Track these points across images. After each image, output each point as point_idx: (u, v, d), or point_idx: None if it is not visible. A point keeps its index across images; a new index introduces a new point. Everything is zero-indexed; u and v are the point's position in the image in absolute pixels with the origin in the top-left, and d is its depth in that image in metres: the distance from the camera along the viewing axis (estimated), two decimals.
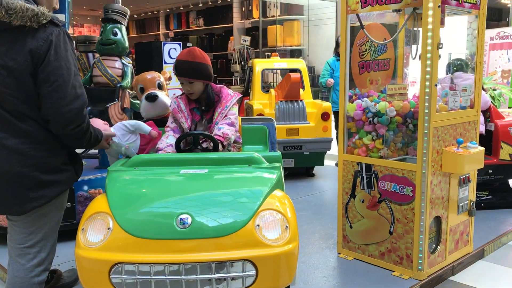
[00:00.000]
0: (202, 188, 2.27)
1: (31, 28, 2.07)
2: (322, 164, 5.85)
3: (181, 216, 2.03)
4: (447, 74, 4.06)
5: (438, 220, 3.22)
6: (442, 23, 3.00)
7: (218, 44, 14.36)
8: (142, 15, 17.16)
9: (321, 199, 5.04)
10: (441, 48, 2.96)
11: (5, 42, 2.09)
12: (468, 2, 3.18)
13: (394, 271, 3.23)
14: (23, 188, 2.17)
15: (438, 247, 3.24)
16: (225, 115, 2.84)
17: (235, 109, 2.91)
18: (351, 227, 3.47)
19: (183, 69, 2.79)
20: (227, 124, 2.79)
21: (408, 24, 3.27)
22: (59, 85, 2.10)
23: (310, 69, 12.79)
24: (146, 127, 2.73)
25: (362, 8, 3.24)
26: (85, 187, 3.82)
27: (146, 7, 16.28)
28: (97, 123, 2.49)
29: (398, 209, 3.17)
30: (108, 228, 2.05)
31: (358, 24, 3.40)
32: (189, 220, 2.02)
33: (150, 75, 3.16)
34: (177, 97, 2.95)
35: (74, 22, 15.89)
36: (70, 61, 2.16)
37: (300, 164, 5.72)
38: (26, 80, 2.10)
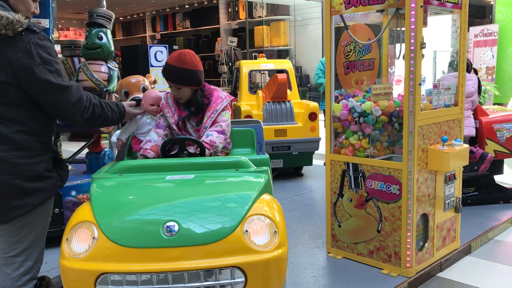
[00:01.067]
0: (188, 194, 2.25)
1: (6, 37, 2.04)
2: (310, 164, 5.88)
3: (168, 224, 1.99)
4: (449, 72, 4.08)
5: (425, 217, 3.26)
6: (425, 23, 3.03)
7: (205, 45, 14.35)
8: (128, 17, 17.08)
9: (310, 199, 5.07)
10: (424, 47, 3.00)
11: None
12: (450, 2, 3.23)
13: (383, 269, 3.26)
14: (5, 196, 2.14)
15: (426, 244, 3.27)
16: (215, 120, 2.76)
17: (227, 115, 2.82)
18: (339, 226, 3.49)
19: (171, 74, 2.73)
20: (216, 131, 2.72)
21: (392, 24, 3.31)
22: (53, 90, 2.16)
23: (298, 69, 12.83)
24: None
25: (346, 9, 3.27)
26: (73, 193, 3.81)
27: (132, 9, 16.20)
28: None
29: (385, 207, 3.20)
30: (93, 238, 2.01)
31: (342, 24, 3.43)
32: (176, 228, 1.99)
33: (134, 79, 3.14)
34: (167, 93, 2.89)
35: (60, 26, 15.76)
36: (54, 60, 2.17)
37: (289, 165, 5.74)
38: (8, 86, 2.09)
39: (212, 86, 2.92)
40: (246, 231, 2.03)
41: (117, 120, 2.54)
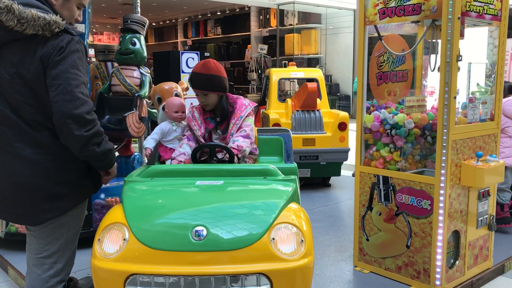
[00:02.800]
0: (217, 200, 2.27)
1: (43, 37, 2.07)
2: (338, 174, 5.81)
3: (197, 228, 2.03)
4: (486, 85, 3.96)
5: (456, 234, 3.16)
6: (461, 35, 2.96)
7: (235, 52, 14.44)
8: (161, 23, 17.35)
9: (337, 210, 5.00)
10: (460, 60, 2.93)
11: (18, 51, 2.10)
12: (489, 14, 3.14)
13: (411, 286, 3.18)
14: (37, 199, 2.17)
15: (457, 262, 3.18)
16: (240, 126, 2.85)
17: (251, 120, 2.91)
18: (367, 239, 3.43)
19: (198, 81, 2.83)
20: (242, 136, 2.80)
21: (427, 36, 3.24)
22: (64, 88, 2.04)
23: (328, 77, 12.78)
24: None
25: (380, 20, 3.22)
26: (102, 195, 3.85)
27: (164, 15, 16.46)
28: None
29: (415, 222, 3.13)
30: (124, 239, 2.06)
31: (376, 34, 3.38)
32: (204, 232, 2.02)
33: (167, 85, 3.19)
34: (192, 106, 2.99)
35: (94, 30, 16.14)
36: (79, 67, 2.11)
37: (317, 174, 5.69)
38: (40, 89, 2.10)
39: (235, 95, 3.00)
40: (273, 238, 2.05)
41: (102, 167, 2.33)
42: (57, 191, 2.20)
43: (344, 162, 5.72)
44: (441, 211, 2.99)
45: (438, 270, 3.04)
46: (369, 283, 3.27)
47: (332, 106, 11.61)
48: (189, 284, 1.96)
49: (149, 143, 2.98)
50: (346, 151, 5.51)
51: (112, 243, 2.07)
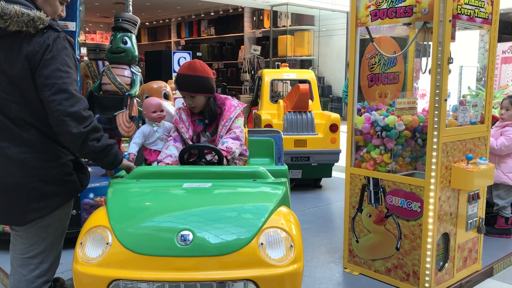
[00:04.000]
0: (204, 203, 2.21)
1: (28, 34, 2.04)
2: (330, 176, 5.81)
3: (182, 233, 1.96)
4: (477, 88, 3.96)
5: (446, 236, 3.17)
6: (453, 37, 2.96)
7: (228, 53, 14.41)
8: (154, 23, 17.28)
9: (328, 212, 5.00)
10: (451, 63, 2.93)
11: (2, 48, 2.06)
12: (479, 17, 3.15)
13: None
14: (24, 199, 2.13)
15: (446, 264, 3.18)
16: (229, 128, 2.79)
17: (240, 121, 2.86)
18: (357, 241, 3.42)
19: (184, 83, 2.76)
20: (231, 138, 2.75)
21: (418, 38, 3.24)
22: (59, 87, 2.04)
23: (320, 79, 12.79)
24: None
25: (372, 21, 3.22)
26: (91, 195, 3.82)
27: (158, 15, 16.40)
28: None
29: (405, 224, 3.13)
30: (107, 243, 1.99)
31: (368, 36, 3.38)
32: (190, 237, 1.95)
33: (156, 84, 3.15)
34: (179, 108, 2.92)
35: (87, 29, 16.04)
36: (70, 65, 2.10)
37: (308, 176, 5.68)
38: (26, 86, 2.07)
39: (223, 95, 2.93)
40: (261, 244, 1.99)
41: (108, 163, 2.32)
42: (44, 190, 2.17)
43: (335, 164, 5.72)
44: (431, 214, 2.99)
45: (427, 272, 3.04)
46: (359, 285, 3.26)
47: (325, 108, 11.61)
48: None
49: (132, 148, 2.92)
50: (337, 152, 5.51)
51: (94, 247, 2.00)
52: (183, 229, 1.98)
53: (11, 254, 2.32)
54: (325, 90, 12.83)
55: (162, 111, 2.92)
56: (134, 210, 2.19)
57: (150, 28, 17.74)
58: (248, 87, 12.04)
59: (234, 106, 2.86)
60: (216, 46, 14.82)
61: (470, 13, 3.05)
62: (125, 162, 2.42)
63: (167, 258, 1.93)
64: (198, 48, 14.78)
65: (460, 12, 2.96)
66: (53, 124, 2.10)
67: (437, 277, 3.11)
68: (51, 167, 2.18)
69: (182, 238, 1.95)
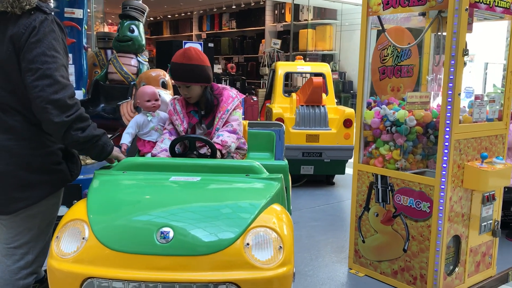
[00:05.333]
0: (190, 199, 2.07)
1: (14, 15, 1.95)
2: (343, 172, 5.64)
3: (162, 229, 1.83)
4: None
5: (457, 239, 2.99)
6: (469, 28, 2.78)
7: (249, 46, 14.30)
8: (176, 15, 17.28)
9: (338, 210, 4.84)
10: (466, 54, 2.74)
11: None
12: (500, 7, 2.95)
13: None
14: (8, 187, 2.05)
15: (456, 269, 3.00)
16: (226, 120, 2.64)
17: (238, 113, 2.70)
18: (363, 241, 3.27)
19: (178, 72, 2.60)
20: (227, 131, 2.60)
21: (432, 28, 3.06)
22: (43, 72, 1.95)
23: (342, 74, 12.55)
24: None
25: (384, 10, 3.05)
26: None
27: (180, 8, 16.39)
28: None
29: (413, 225, 2.96)
30: (83, 238, 1.87)
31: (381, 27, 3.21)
32: (171, 234, 1.82)
33: (154, 73, 3.05)
34: (174, 98, 2.78)
35: (109, 21, 16.13)
36: (57, 49, 2.00)
37: (320, 172, 5.52)
38: (11, 70, 1.98)
39: (221, 85, 2.78)
40: (248, 244, 1.84)
41: (96, 155, 2.21)
42: (30, 179, 2.08)
43: (349, 160, 5.54)
44: (440, 215, 2.82)
45: (435, 276, 2.88)
46: (363, 287, 3.11)
47: (345, 103, 11.39)
48: None
49: (125, 138, 2.79)
50: (351, 148, 5.32)
51: (70, 242, 1.88)
52: (163, 226, 1.85)
53: None
54: (346, 86, 12.58)
55: (157, 100, 2.80)
56: (114, 203, 2.07)
57: (171, 21, 17.75)
58: (267, 81, 11.90)
59: (232, 97, 2.70)
60: (237, 40, 14.72)
61: (489, 1, 2.85)
62: (115, 153, 2.30)
63: (145, 256, 1.81)
64: (219, 42, 14.70)
65: (478, 0, 2.77)
66: (35, 111, 2.01)
67: (446, 282, 2.94)
68: (37, 155, 2.09)
69: (162, 235, 1.83)
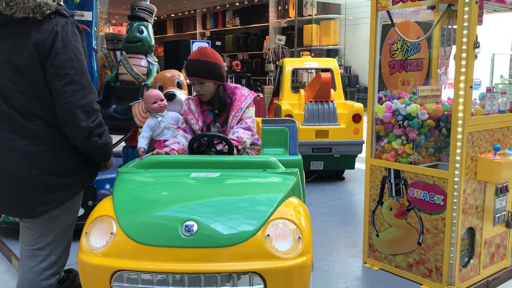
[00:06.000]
0: (211, 193, 2.16)
1: (35, 20, 1.98)
2: (352, 167, 5.65)
3: (187, 223, 1.92)
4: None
5: (471, 231, 3.00)
6: (480, 21, 2.78)
7: (253, 43, 14.31)
8: (180, 14, 17.32)
9: (350, 204, 4.86)
10: (477, 47, 2.75)
11: (10, 36, 2.01)
12: None
13: (422, 284, 3.04)
14: (33, 191, 2.10)
15: (471, 261, 3.02)
16: (240, 118, 2.71)
17: (251, 111, 2.77)
18: (377, 235, 3.29)
19: (194, 68, 2.68)
20: (242, 128, 2.67)
21: (443, 22, 3.07)
22: (71, 77, 2.00)
23: (347, 69, 12.54)
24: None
25: (393, 5, 3.06)
26: (107, 186, 3.79)
27: (183, 7, 16.41)
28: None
29: (428, 218, 2.98)
30: (111, 233, 1.97)
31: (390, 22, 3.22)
32: (195, 228, 1.91)
33: (169, 73, 3.09)
34: (188, 98, 2.85)
35: (114, 21, 16.18)
36: (82, 52, 2.06)
37: (330, 167, 5.54)
38: (34, 76, 2.01)
39: (233, 84, 2.85)
40: (268, 235, 1.92)
41: (100, 160, 2.30)
42: (53, 182, 2.13)
43: (359, 155, 5.56)
44: (455, 207, 2.83)
45: (451, 268, 2.89)
46: (378, 281, 3.14)
47: (351, 98, 11.39)
48: (177, 282, 1.86)
49: (141, 142, 2.88)
50: (361, 143, 5.34)
51: (99, 237, 1.98)
52: (187, 219, 1.94)
53: (20, 246, 2.31)
54: (352, 80, 12.58)
55: (162, 100, 2.88)
56: (139, 200, 2.17)
57: (175, 19, 17.78)
58: (272, 78, 11.90)
59: (244, 95, 2.77)
60: (241, 37, 14.73)
61: None
62: (111, 159, 2.40)
63: (171, 249, 1.90)
64: (223, 39, 14.72)
65: None
66: (60, 115, 2.06)
67: (462, 274, 2.96)
68: (59, 159, 2.14)
69: (187, 228, 1.91)
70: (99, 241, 1.98)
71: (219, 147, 2.61)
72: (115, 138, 4.54)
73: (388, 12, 3.16)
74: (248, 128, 2.67)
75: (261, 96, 9.01)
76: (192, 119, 2.76)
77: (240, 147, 2.56)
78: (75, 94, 2.01)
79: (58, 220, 2.24)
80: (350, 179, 5.86)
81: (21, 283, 2.24)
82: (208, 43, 5.40)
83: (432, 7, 3.28)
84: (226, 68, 2.80)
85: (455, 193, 2.82)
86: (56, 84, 2.00)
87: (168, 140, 2.87)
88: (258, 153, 2.80)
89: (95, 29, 4.23)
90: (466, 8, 2.68)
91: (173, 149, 2.61)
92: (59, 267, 2.32)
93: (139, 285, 1.88)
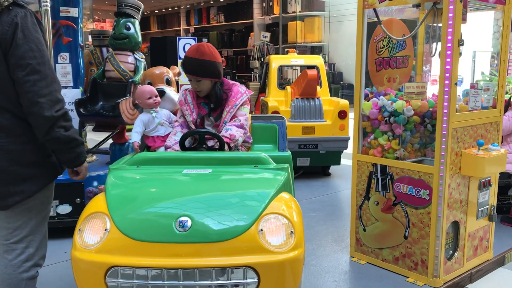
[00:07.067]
0: (204, 189, 2.18)
1: None
2: (338, 163, 5.72)
3: (181, 219, 1.93)
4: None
5: (456, 225, 3.08)
6: (464, 19, 2.85)
7: (238, 40, 14.30)
8: (163, 10, 17.21)
9: (336, 200, 4.92)
10: (462, 45, 2.82)
11: None
12: None
13: (408, 277, 3.10)
14: (3, 182, 2.09)
15: (456, 253, 3.09)
16: (234, 115, 2.73)
17: (246, 109, 2.78)
18: (364, 230, 3.35)
19: (190, 66, 2.70)
20: (235, 125, 2.69)
21: (428, 20, 3.13)
22: (33, 67, 1.98)
23: (331, 66, 12.62)
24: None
25: (379, 3, 3.11)
26: (95, 183, 3.79)
27: (167, 3, 16.31)
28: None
29: (413, 212, 3.04)
30: (105, 230, 1.97)
31: (376, 19, 3.27)
32: (189, 223, 1.93)
33: (158, 70, 3.08)
34: (186, 90, 2.86)
35: (96, 17, 16.02)
36: (42, 42, 2.04)
37: (316, 163, 5.60)
38: None
39: (231, 81, 2.86)
40: (261, 230, 1.95)
41: (68, 160, 2.18)
42: (23, 173, 2.12)
43: (344, 151, 5.62)
44: (440, 201, 2.90)
45: (436, 261, 2.96)
46: (366, 274, 3.19)
47: (335, 94, 11.46)
48: (172, 277, 1.88)
49: (135, 137, 2.87)
50: (346, 139, 5.41)
51: (92, 234, 1.99)
52: (181, 215, 1.95)
53: None
54: (336, 77, 12.66)
55: (157, 96, 2.88)
56: (133, 196, 2.17)
57: (159, 16, 17.67)
58: (257, 75, 11.92)
59: (241, 92, 2.79)
60: (225, 34, 14.71)
61: None
62: (84, 167, 2.26)
63: (166, 244, 1.91)
64: (207, 36, 14.68)
65: None
66: (24, 105, 2.03)
67: (446, 266, 3.03)
68: (28, 150, 2.12)
69: (181, 224, 1.93)
70: (93, 237, 1.98)
71: (210, 143, 2.63)
72: (102, 135, 4.54)
73: (374, 10, 3.20)
74: (241, 126, 2.69)
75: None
76: (186, 110, 2.78)
77: (232, 144, 2.59)
78: (37, 84, 1.99)
79: (31, 212, 2.22)
80: (336, 175, 5.93)
81: (1, 277, 2.23)
82: (194, 39, 5.41)
83: (418, 5, 3.34)
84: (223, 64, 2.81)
85: (440, 188, 2.89)
86: (18, 74, 1.99)
87: (163, 135, 2.89)
88: (248, 150, 2.83)
89: (81, 25, 4.21)
90: (451, 7, 2.74)
91: (177, 150, 2.63)
92: (38, 259, 2.29)
93: (134, 281, 1.88)
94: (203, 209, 2.00)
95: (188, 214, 1.95)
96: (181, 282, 1.88)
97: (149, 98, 2.83)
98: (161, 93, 2.92)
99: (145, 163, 2.39)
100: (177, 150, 2.69)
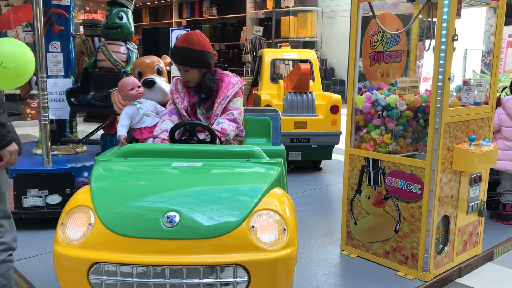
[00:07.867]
0: (194, 183, 2.10)
1: None
2: (329, 158, 5.73)
3: (168, 214, 1.86)
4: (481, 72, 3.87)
5: (446, 219, 3.10)
6: (458, 14, 2.85)
7: (230, 34, 14.25)
8: (156, 2, 17.08)
9: (327, 194, 4.93)
10: (456, 40, 2.82)
11: None
12: None
13: (398, 271, 3.12)
14: None
15: (445, 248, 3.11)
16: (226, 107, 2.65)
17: (239, 102, 2.70)
18: (355, 223, 3.36)
19: (178, 56, 2.61)
20: (228, 119, 2.61)
21: (422, 15, 3.13)
22: None
23: (323, 61, 12.62)
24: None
25: None
26: (85, 174, 3.75)
27: None
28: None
29: (405, 207, 3.05)
30: (89, 224, 1.89)
31: (371, 14, 3.27)
32: (177, 218, 1.85)
33: (149, 59, 3.04)
34: (177, 78, 2.78)
35: (87, 8, 15.86)
36: None
37: (307, 158, 5.60)
38: None
39: (224, 71, 2.78)
40: (253, 226, 1.88)
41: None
42: None
43: (336, 146, 5.63)
44: (431, 196, 2.91)
45: (426, 255, 2.98)
46: (356, 268, 3.20)
47: (327, 90, 11.46)
48: (158, 275, 1.80)
49: (121, 130, 2.79)
50: (338, 134, 5.42)
51: (76, 228, 1.90)
52: (169, 210, 1.88)
53: None
54: (328, 73, 12.67)
55: (139, 87, 2.84)
56: (119, 189, 2.09)
57: (151, 8, 17.53)
58: (249, 69, 11.88)
59: (232, 83, 2.69)
60: (218, 27, 14.64)
61: None
62: (8, 150, 2.11)
63: (152, 240, 1.84)
64: (200, 29, 14.61)
65: None
66: None
67: (436, 261, 3.05)
68: None
69: (168, 219, 1.86)
70: (76, 232, 1.90)
71: (201, 135, 2.58)
72: (93, 126, 4.50)
73: (369, 3, 3.20)
74: (234, 120, 2.62)
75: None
76: (177, 98, 2.70)
77: (223, 139, 2.52)
78: None
79: None
80: (327, 169, 5.94)
81: None
82: (187, 31, 5.35)
83: (412, 0, 3.34)
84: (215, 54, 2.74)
85: (432, 182, 2.90)
86: None
87: (150, 126, 2.83)
88: (240, 144, 2.78)
89: (73, 14, 4.15)
90: (446, 2, 2.74)
91: (164, 139, 2.57)
92: (10, 242, 2.23)
93: (118, 278, 1.81)
94: (192, 204, 1.93)
95: (177, 209, 1.88)
96: (167, 280, 1.81)
97: (132, 89, 2.79)
98: (151, 83, 2.87)
99: (132, 155, 2.30)
100: (164, 139, 2.59)
